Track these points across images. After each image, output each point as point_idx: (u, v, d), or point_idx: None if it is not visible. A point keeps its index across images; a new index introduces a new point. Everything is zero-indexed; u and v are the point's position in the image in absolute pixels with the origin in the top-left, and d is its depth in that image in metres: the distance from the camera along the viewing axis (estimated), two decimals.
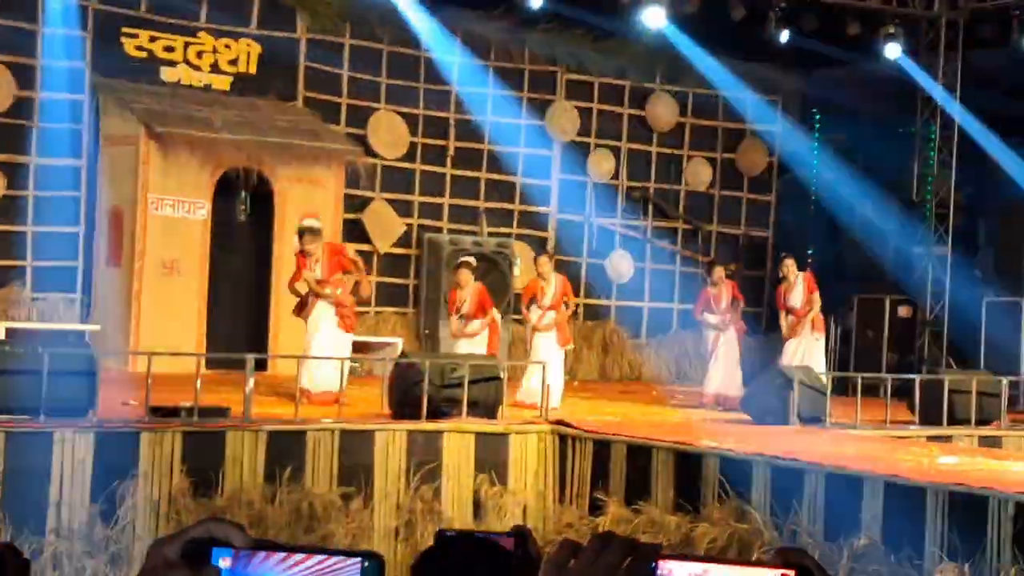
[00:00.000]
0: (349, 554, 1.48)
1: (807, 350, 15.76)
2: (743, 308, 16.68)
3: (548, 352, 14.60)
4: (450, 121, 19.82)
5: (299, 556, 1.48)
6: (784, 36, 19.68)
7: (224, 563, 1.46)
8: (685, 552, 1.48)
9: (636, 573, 1.41)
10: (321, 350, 13.62)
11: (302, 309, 14.11)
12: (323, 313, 13.85)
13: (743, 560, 1.45)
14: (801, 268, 16.64)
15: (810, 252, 21.98)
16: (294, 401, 12.16)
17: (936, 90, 20.23)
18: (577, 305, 17.79)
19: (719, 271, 16.49)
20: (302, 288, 14.04)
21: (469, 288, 14.64)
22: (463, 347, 14.43)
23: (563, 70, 20.65)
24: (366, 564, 1.47)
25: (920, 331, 20.32)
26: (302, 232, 14.43)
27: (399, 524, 11.68)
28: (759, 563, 1.44)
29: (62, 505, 10.36)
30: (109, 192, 17.01)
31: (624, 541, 1.43)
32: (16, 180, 16.87)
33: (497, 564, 2.94)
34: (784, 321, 16.20)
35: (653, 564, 1.42)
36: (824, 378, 14.67)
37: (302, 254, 14.13)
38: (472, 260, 15.42)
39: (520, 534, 3.01)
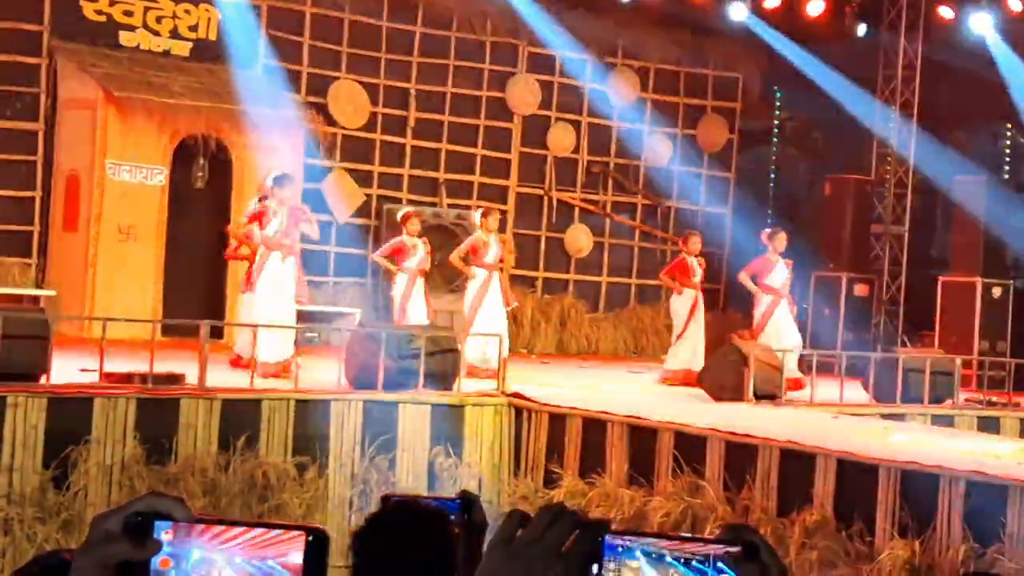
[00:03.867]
0: (292, 528, 1.47)
1: (786, 326, 15.64)
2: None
3: (492, 312, 14.85)
4: (411, 92, 19.75)
5: (240, 529, 1.47)
6: (743, 13, 19.71)
7: (166, 536, 1.46)
8: (634, 528, 1.48)
9: (584, 548, 1.41)
10: (273, 318, 13.14)
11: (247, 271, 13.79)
12: (276, 276, 13.34)
13: (691, 536, 1.45)
14: (759, 247, 16.46)
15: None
16: (249, 369, 12.16)
17: (896, 69, 20.30)
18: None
19: (696, 240, 16.24)
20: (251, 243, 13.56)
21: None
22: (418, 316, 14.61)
23: (525, 43, 20.59)
24: (311, 538, 1.47)
25: (876, 309, 20.45)
26: (282, 180, 13.65)
27: (353, 494, 11.67)
28: (707, 539, 1.44)
29: (13, 470, 10.30)
30: (66, 156, 16.87)
31: (572, 515, 1.42)
32: None
33: (442, 529, 2.94)
34: (760, 297, 15.73)
35: (600, 539, 1.41)
36: (796, 353, 14.82)
37: (262, 208, 13.52)
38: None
39: (465, 499, 3.01)
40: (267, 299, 13.29)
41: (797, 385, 14.80)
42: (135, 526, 1.45)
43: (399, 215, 15.65)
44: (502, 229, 20.35)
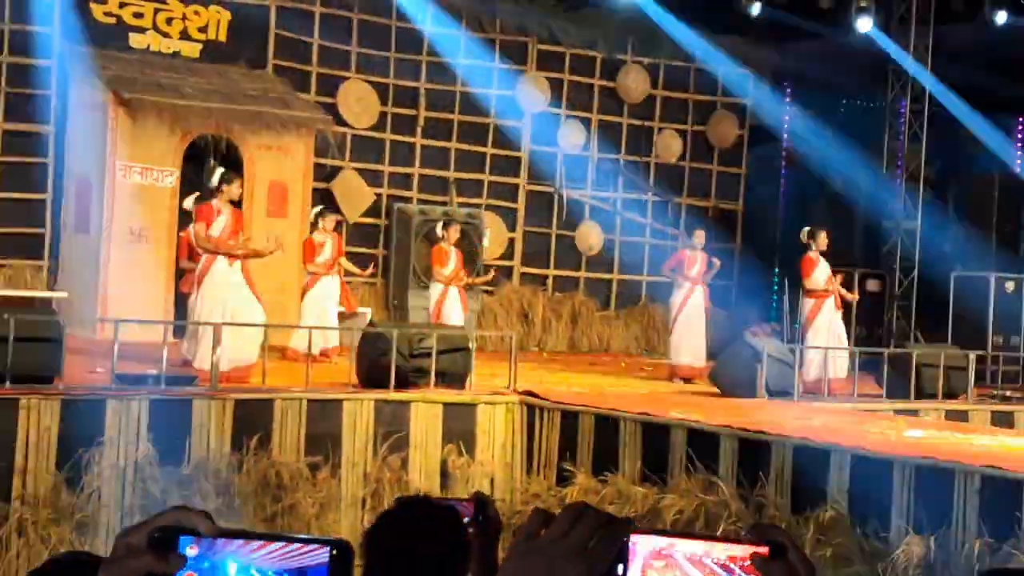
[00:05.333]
0: (317, 541, 1.46)
1: (839, 327, 15.44)
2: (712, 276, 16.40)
3: (457, 316, 15.32)
4: (420, 91, 19.75)
5: (265, 542, 1.47)
6: (756, 8, 19.68)
7: (191, 551, 1.46)
8: (659, 528, 1.46)
9: (607, 547, 1.39)
10: (242, 317, 12.40)
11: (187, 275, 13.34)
12: (226, 276, 12.58)
13: (718, 536, 1.43)
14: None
15: (780, 226, 22.05)
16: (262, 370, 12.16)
17: (907, 63, 20.27)
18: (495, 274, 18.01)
19: (702, 235, 16.16)
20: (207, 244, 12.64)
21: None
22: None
23: (534, 40, 20.58)
24: (334, 552, 1.46)
25: (889, 304, 20.41)
26: (228, 178, 12.94)
27: (366, 494, 11.66)
28: (733, 539, 1.42)
29: (27, 473, 10.30)
30: (77, 159, 16.89)
31: (596, 514, 1.41)
32: None
33: (453, 528, 2.92)
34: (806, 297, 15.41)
35: (625, 538, 1.40)
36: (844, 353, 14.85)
37: (208, 205, 12.75)
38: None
39: (479, 500, 2.99)
40: (212, 303, 12.45)
41: (841, 387, 14.68)
42: (159, 541, 1.45)
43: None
44: (512, 227, 20.42)
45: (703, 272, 15.81)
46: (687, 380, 15.47)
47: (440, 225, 16.37)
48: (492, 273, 17.47)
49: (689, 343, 15.63)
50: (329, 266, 15.46)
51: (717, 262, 15.90)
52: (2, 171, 16.84)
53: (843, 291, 15.62)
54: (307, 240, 15.72)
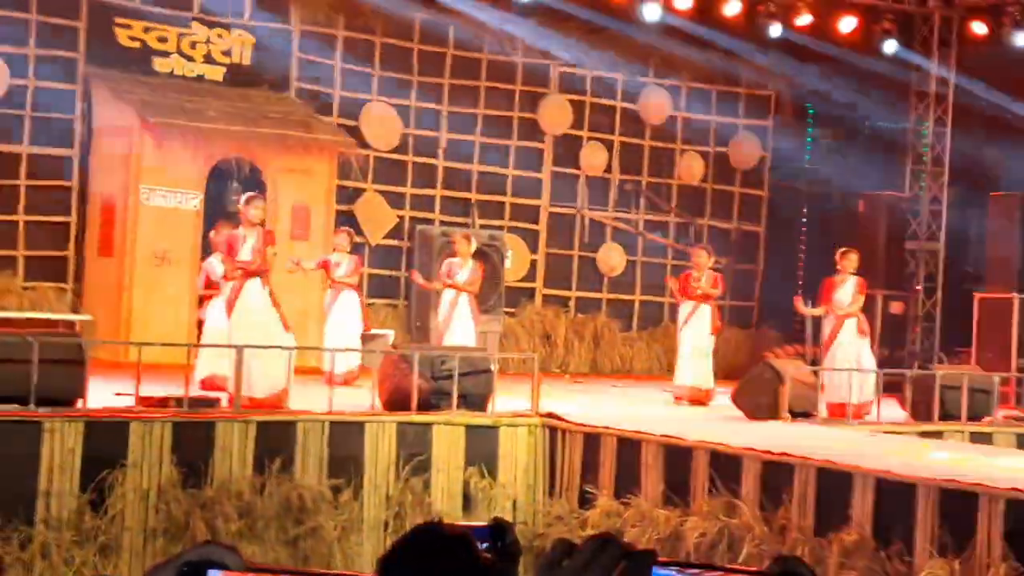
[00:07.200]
0: None
1: (857, 351, 15.34)
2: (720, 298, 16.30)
3: (465, 333, 15.20)
4: (442, 113, 19.80)
5: None
6: (777, 31, 19.68)
7: None
8: (681, 560, 1.46)
9: None
10: (270, 339, 12.30)
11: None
12: (258, 301, 12.48)
13: (738, 568, 1.43)
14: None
15: (802, 247, 22.01)
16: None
17: (929, 85, 20.23)
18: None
19: (700, 253, 15.95)
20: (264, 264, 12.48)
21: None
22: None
23: (557, 63, 20.62)
24: None
25: (912, 326, 20.34)
26: (256, 198, 12.93)
27: (388, 516, 11.66)
28: (753, 571, 1.42)
29: (51, 495, 10.33)
30: (101, 182, 16.97)
31: (619, 545, 1.41)
32: (8, 169, 16.83)
33: (469, 554, 2.91)
34: (825, 319, 15.32)
35: (648, 569, 1.40)
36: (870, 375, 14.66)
37: (233, 235, 12.66)
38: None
39: (498, 526, 2.99)
40: (243, 330, 12.29)
41: (864, 409, 14.57)
42: (189, 575, 1.45)
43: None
44: (533, 249, 20.42)
45: (709, 286, 15.71)
46: (684, 401, 15.37)
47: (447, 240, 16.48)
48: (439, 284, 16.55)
49: (689, 365, 15.54)
50: (346, 280, 15.49)
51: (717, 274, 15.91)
52: (27, 194, 16.93)
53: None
54: (323, 262, 15.78)
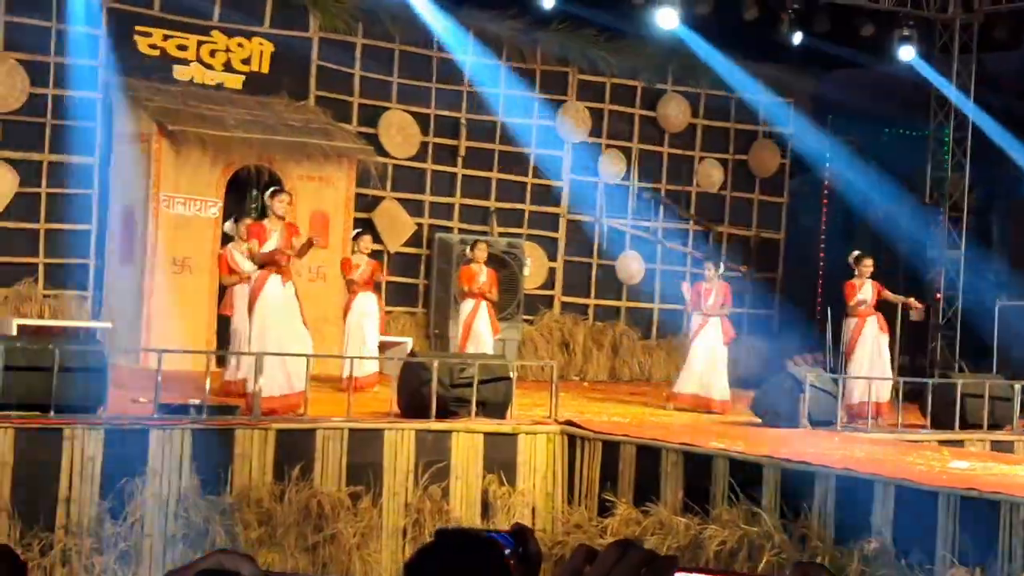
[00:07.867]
0: None
1: (880, 345, 15.45)
2: (730, 309, 16.33)
3: (487, 334, 15.40)
4: (461, 121, 19.81)
5: None
6: (797, 37, 19.65)
7: None
8: (703, 565, 1.46)
9: None
10: (272, 348, 12.14)
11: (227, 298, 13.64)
12: (279, 299, 12.29)
13: (762, 574, 1.42)
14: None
15: (822, 255, 21.96)
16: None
17: (950, 92, 20.18)
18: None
19: (710, 267, 16.12)
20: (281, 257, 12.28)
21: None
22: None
23: (575, 70, 20.62)
24: None
25: (933, 334, 20.26)
26: (281, 192, 12.91)
27: (407, 523, 11.66)
28: None
29: (71, 502, 10.36)
30: (121, 190, 17.01)
31: (641, 550, 1.41)
32: (29, 177, 16.89)
33: (495, 560, 2.91)
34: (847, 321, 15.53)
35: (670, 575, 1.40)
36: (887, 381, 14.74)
37: (260, 224, 12.62)
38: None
39: (520, 532, 2.98)
40: (262, 329, 12.24)
41: (884, 412, 14.62)
42: None
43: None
44: (552, 256, 20.42)
45: (718, 304, 15.76)
46: (682, 410, 15.36)
47: (468, 247, 16.49)
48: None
49: (696, 373, 15.55)
50: (366, 282, 15.45)
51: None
52: (48, 202, 16.98)
53: (911, 301, 15.85)
54: (344, 259, 15.78)
